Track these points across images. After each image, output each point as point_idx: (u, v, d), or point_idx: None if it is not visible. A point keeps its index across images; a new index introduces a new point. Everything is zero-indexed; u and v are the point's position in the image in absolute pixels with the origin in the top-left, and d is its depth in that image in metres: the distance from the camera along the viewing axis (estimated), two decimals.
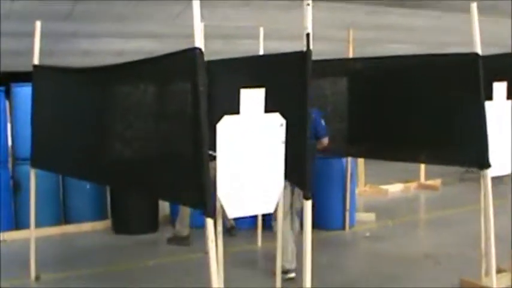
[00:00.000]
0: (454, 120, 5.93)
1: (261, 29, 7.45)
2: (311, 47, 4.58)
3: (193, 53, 4.11)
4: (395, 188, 11.97)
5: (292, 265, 6.32)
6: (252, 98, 4.49)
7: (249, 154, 4.53)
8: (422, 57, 6.50)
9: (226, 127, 4.39)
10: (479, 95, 5.51)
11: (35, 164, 6.54)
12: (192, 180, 4.20)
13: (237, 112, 4.48)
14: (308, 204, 4.67)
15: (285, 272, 6.14)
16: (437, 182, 12.19)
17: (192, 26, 4.04)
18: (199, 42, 4.12)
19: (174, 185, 4.45)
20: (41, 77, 6.41)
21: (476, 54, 5.50)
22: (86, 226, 8.82)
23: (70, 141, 5.92)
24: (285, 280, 6.05)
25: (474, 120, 5.62)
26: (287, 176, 4.79)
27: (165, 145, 4.59)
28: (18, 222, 8.38)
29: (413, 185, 12.24)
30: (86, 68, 5.75)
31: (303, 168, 4.65)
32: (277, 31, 9.44)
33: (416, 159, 7.53)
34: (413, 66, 6.51)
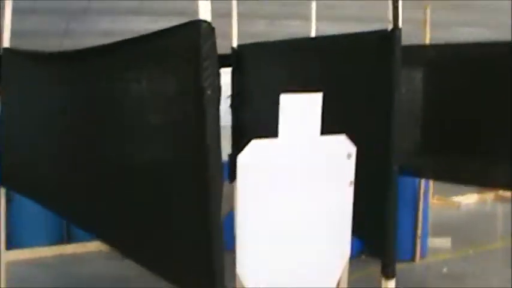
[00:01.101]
0: None
1: (314, 4, 5.63)
2: (400, 24, 2.76)
3: (195, 30, 2.30)
4: (468, 200, 10.42)
5: None
6: (300, 110, 2.64)
7: (292, 204, 2.70)
8: None
9: (252, 160, 2.57)
10: None
11: (6, 182, 4.94)
12: (193, 254, 2.46)
13: (275, 133, 2.65)
14: (391, 285, 2.85)
15: None
16: None
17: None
18: (206, 11, 2.30)
19: (168, 256, 2.66)
20: (13, 64, 4.86)
21: None
22: (90, 246, 7.43)
23: (48, 158, 4.31)
24: None
25: None
26: (354, 231, 2.96)
27: (152, 188, 2.78)
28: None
29: (490, 196, 10.62)
30: (61, 52, 4.00)
31: (384, 228, 2.83)
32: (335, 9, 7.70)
33: None
34: None
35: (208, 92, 2.37)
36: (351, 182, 2.81)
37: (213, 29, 2.39)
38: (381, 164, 2.90)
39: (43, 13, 7.45)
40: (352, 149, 2.80)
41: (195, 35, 2.37)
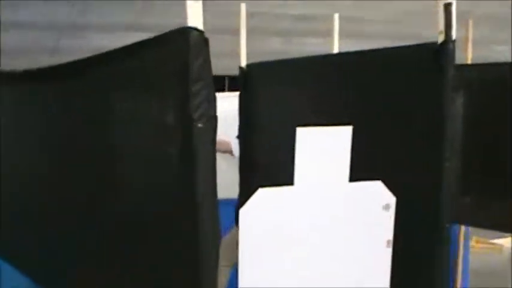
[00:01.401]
0: None
1: (336, 16, 4.99)
2: (453, 36, 2.14)
3: (182, 41, 1.70)
4: (510, 243, 9.51)
5: None
6: (323, 147, 2.01)
7: (311, 270, 2.07)
8: None
9: (258, 214, 1.95)
10: None
11: None
12: None
13: (290, 179, 2.03)
14: None
15: None
16: None
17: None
18: (197, 15, 1.70)
19: None
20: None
21: None
22: None
23: (40, 215, 3.50)
24: None
25: None
26: None
27: (133, 245, 2.17)
28: None
29: None
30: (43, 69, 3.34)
31: None
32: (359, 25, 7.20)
33: None
34: None
35: (200, 124, 1.76)
36: (388, 242, 2.15)
37: (206, 39, 1.76)
38: (429, 218, 2.25)
39: (29, 28, 6.87)
40: (391, 199, 2.13)
41: (182, 47, 1.74)
